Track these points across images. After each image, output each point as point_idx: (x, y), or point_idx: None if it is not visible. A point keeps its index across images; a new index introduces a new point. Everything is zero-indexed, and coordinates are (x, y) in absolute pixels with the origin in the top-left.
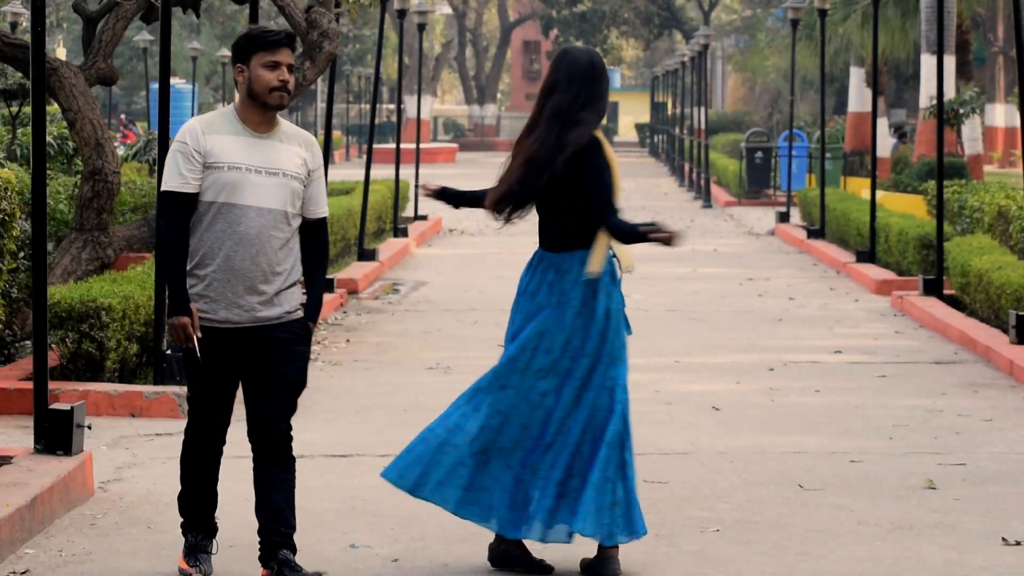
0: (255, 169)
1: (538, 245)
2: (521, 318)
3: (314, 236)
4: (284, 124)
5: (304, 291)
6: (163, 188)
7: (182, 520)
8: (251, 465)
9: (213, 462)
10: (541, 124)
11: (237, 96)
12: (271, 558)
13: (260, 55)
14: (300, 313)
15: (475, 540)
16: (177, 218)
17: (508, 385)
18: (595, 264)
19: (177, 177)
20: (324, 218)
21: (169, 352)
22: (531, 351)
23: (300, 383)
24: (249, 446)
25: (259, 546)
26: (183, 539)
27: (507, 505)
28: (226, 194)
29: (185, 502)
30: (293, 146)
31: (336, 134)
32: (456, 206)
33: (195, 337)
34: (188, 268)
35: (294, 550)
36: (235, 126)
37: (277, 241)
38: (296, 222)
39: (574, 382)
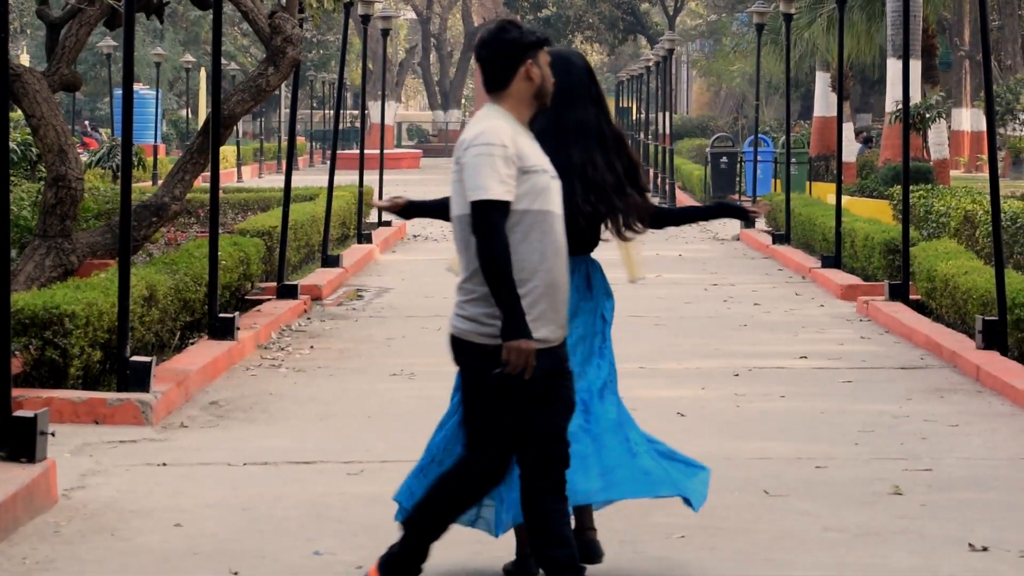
0: (549, 172)
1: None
2: None
3: None
4: None
5: None
6: (488, 197)
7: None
8: (211, 472)
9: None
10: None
11: (509, 96)
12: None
13: (543, 53)
14: None
15: (441, 546)
16: (503, 230)
17: None
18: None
19: (501, 185)
20: None
21: (133, 359)
22: None
23: None
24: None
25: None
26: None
27: None
28: (541, 200)
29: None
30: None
31: (300, 140)
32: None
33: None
34: None
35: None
36: (517, 126)
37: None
38: None
39: None
